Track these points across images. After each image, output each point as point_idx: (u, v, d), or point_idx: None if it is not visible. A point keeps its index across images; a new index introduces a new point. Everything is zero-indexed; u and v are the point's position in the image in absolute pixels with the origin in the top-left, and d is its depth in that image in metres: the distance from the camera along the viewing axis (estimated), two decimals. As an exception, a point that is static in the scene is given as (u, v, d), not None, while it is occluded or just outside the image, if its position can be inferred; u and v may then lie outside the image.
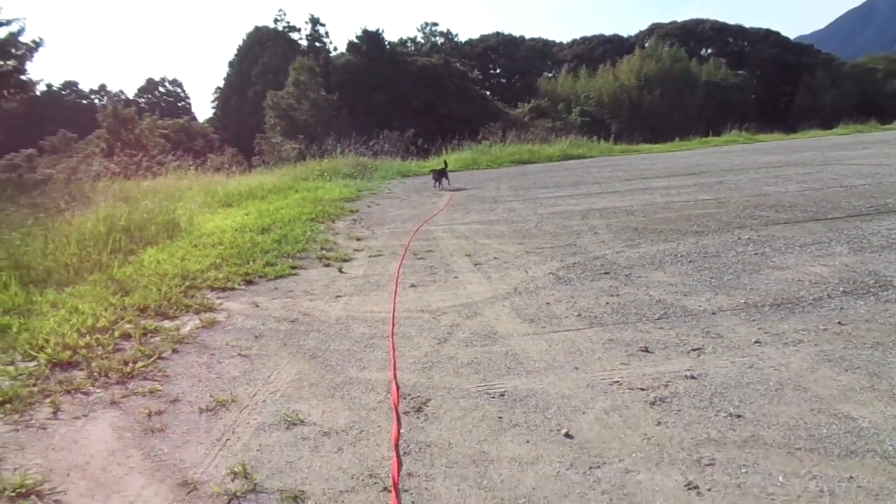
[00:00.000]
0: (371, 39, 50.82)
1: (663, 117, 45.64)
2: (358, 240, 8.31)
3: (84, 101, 67.23)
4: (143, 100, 69.44)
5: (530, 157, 24.35)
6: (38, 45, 23.13)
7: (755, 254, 5.95)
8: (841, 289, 4.65)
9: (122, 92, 70.33)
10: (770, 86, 61.43)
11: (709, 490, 2.28)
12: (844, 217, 7.51)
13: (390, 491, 2.35)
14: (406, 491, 2.40)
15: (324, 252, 7.37)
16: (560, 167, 20.69)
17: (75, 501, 2.44)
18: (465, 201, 12.15)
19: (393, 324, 4.47)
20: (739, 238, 6.71)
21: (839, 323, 3.93)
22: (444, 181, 15.24)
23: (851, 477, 2.30)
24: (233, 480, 2.52)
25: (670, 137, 32.59)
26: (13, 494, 2.47)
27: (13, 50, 22.72)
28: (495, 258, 6.61)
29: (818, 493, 2.23)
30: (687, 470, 2.42)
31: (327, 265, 6.77)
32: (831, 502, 2.17)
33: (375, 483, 2.47)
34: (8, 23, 22.29)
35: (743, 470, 2.39)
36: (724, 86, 55.69)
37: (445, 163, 16.53)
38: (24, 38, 22.88)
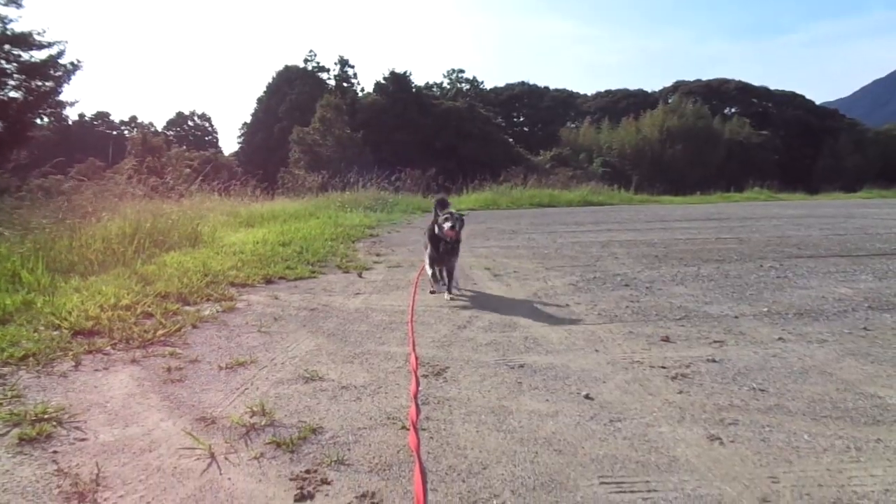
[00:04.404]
0: (398, 81, 52.00)
1: (684, 172, 45.76)
2: (378, 255, 8.37)
3: (114, 132, 69.01)
4: (171, 132, 71.09)
5: (550, 201, 24.52)
6: (76, 67, 24.06)
7: (778, 277, 5.91)
8: (866, 305, 4.59)
9: (151, 124, 72.22)
10: (793, 147, 61.55)
11: (732, 442, 2.24)
12: (868, 255, 7.45)
13: (408, 429, 2.34)
14: (424, 430, 2.39)
15: (343, 262, 7.41)
16: (580, 210, 20.80)
17: (94, 428, 2.45)
18: (484, 232, 12.20)
19: (412, 312, 4.48)
20: (762, 266, 6.67)
21: (864, 328, 3.88)
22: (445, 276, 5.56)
23: (879, 439, 2.25)
24: (251, 417, 2.52)
25: (691, 191, 32.68)
26: (34, 419, 2.49)
27: (52, 71, 23.60)
28: (514, 272, 6.62)
29: (844, 448, 2.19)
30: (710, 427, 2.38)
31: (346, 272, 6.80)
32: (858, 455, 2.13)
33: (394, 423, 2.46)
34: (49, 45, 23.23)
35: (767, 429, 2.35)
36: (746, 144, 55.92)
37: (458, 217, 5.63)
38: (62, 61, 23.81)
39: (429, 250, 5.43)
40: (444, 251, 5.26)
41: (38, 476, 2.05)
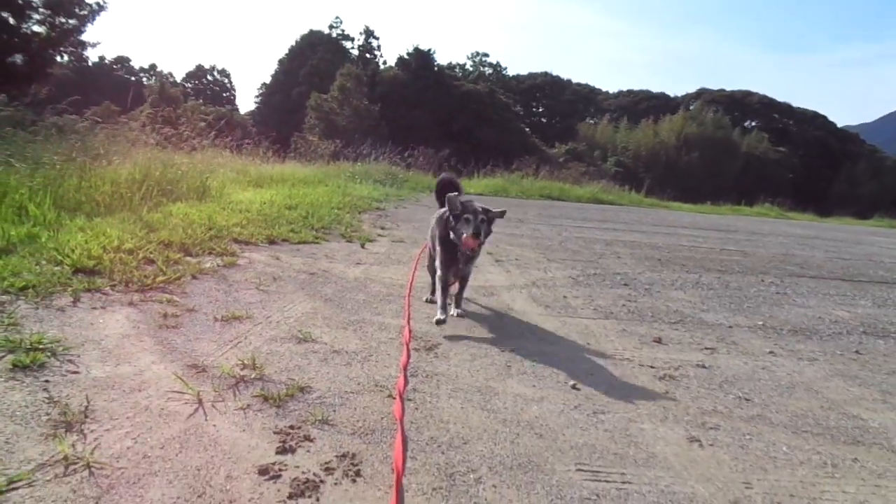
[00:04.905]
0: (421, 57, 51.67)
1: (697, 180, 45.57)
2: (383, 228, 8.40)
3: (132, 78, 68.76)
4: (190, 84, 70.90)
5: (560, 195, 24.51)
6: (101, 7, 23.92)
7: (777, 293, 5.91)
8: (861, 329, 4.61)
9: (171, 74, 72.00)
10: (810, 167, 61.13)
11: (711, 445, 2.27)
12: (870, 282, 7.44)
13: (395, 398, 2.37)
14: (410, 400, 2.42)
15: (348, 231, 7.43)
16: (588, 207, 20.79)
17: (87, 363, 2.48)
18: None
19: (411, 287, 4.50)
20: (763, 280, 6.67)
21: (857, 352, 3.90)
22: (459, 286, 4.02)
23: (856, 458, 2.28)
24: (241, 369, 2.56)
25: (702, 201, 32.54)
26: (29, 347, 2.52)
27: (77, 9, 23.47)
28: (516, 259, 6.64)
29: (821, 463, 2.21)
30: (691, 428, 2.41)
31: (350, 241, 6.83)
32: (833, 472, 2.15)
33: (381, 391, 2.49)
34: (75, -17, 23.08)
35: (747, 437, 2.38)
36: (763, 159, 55.58)
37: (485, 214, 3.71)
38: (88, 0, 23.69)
39: (438, 254, 3.88)
40: (460, 258, 3.74)
41: (29, 402, 2.08)
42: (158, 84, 41.40)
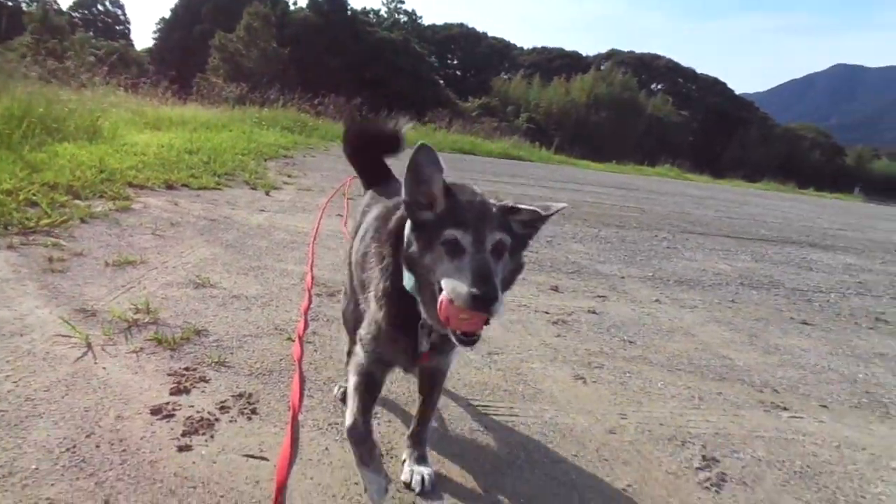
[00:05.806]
0: (334, 0, 49.73)
1: (604, 139, 46.97)
2: (289, 176, 8.19)
3: (10, 3, 62.27)
4: (77, 14, 65.03)
5: (472, 149, 24.63)
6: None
7: (668, 248, 6.29)
8: (738, 281, 5.00)
9: (55, 1, 65.66)
10: (708, 131, 64.36)
11: (594, 382, 2.44)
12: (752, 239, 8.03)
13: (294, 340, 2.38)
14: (310, 343, 2.44)
15: (252, 178, 7.22)
16: (499, 162, 21.03)
17: (-40, 306, 2.34)
18: (402, 170, 12.12)
19: (315, 234, 4.46)
20: (656, 236, 7.06)
21: (732, 301, 4.25)
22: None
23: (720, 392, 2.52)
24: (134, 314, 2.48)
25: (608, 159, 33.61)
26: None
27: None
28: (425, 210, 6.68)
29: (690, 396, 2.44)
30: (577, 368, 2.58)
31: (254, 188, 6.65)
32: (700, 403, 2.38)
33: (280, 334, 2.50)
34: None
35: (627, 375, 2.57)
36: (666, 122, 57.91)
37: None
38: None
39: (367, 313, 1.65)
40: (423, 337, 1.52)
41: None
42: (41, 11, 37.60)
